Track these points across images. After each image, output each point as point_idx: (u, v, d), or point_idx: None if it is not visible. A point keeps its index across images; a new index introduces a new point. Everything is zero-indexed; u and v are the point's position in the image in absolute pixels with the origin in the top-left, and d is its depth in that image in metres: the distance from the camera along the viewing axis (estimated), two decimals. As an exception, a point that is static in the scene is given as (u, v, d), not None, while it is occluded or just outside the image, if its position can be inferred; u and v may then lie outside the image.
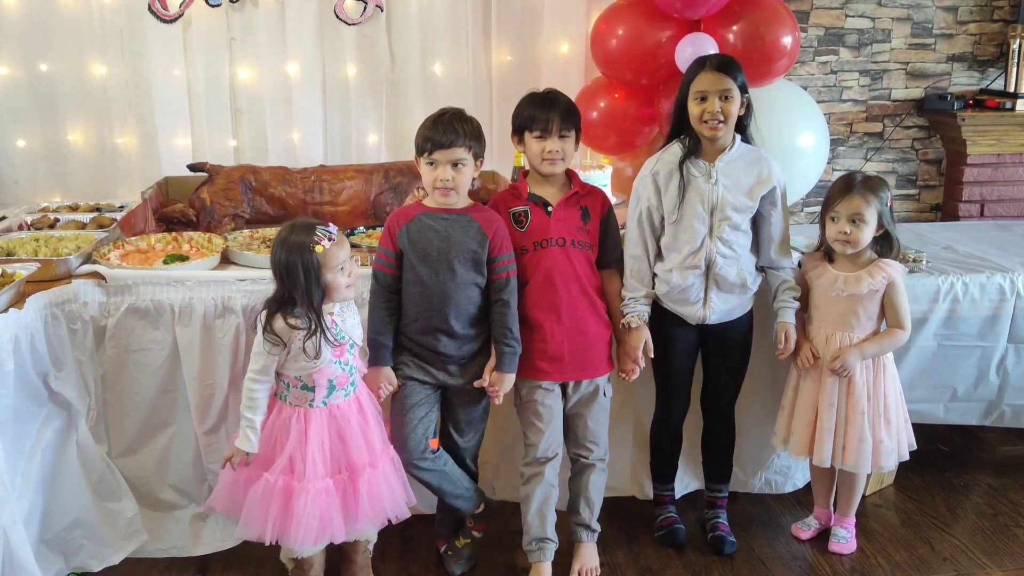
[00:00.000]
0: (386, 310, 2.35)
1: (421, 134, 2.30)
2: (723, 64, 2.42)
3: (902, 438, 2.58)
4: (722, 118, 2.40)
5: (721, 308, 2.49)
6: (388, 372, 2.36)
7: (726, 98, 2.39)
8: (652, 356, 2.49)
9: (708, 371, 2.64)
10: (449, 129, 2.27)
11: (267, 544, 2.22)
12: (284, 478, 2.19)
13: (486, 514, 2.57)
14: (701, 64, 2.45)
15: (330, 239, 2.15)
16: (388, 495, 2.28)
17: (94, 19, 3.50)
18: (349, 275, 2.21)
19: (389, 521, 2.32)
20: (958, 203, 4.16)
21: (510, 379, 2.39)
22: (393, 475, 2.31)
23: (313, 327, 2.14)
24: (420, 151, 2.30)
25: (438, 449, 2.43)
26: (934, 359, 2.81)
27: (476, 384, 2.38)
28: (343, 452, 2.24)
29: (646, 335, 2.46)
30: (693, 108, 2.43)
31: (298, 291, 2.13)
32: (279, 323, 2.15)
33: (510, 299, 2.37)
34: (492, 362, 2.38)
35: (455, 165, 2.28)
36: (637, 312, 2.47)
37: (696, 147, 2.47)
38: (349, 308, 2.30)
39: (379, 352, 2.35)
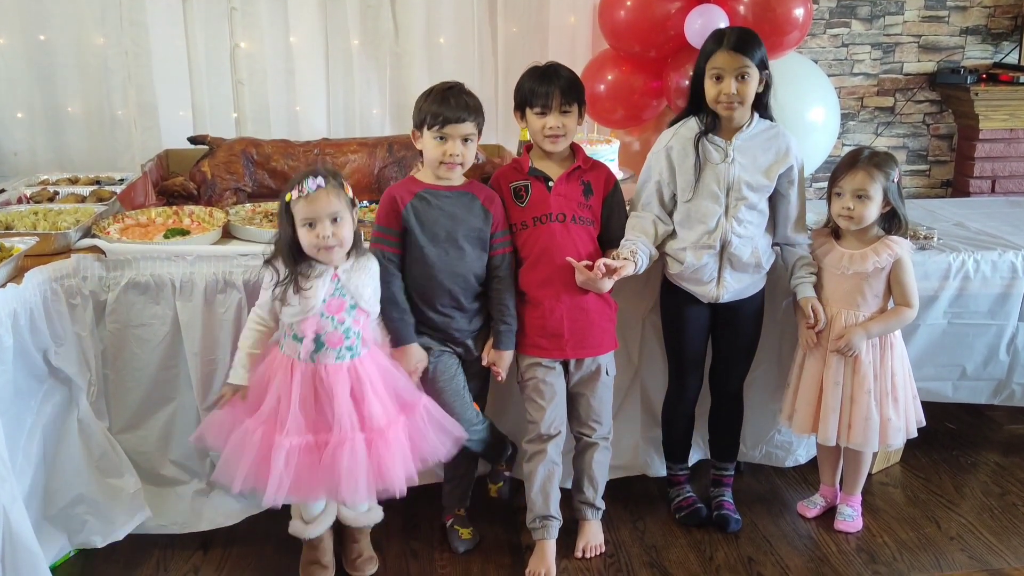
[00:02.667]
0: (400, 288, 2.31)
1: (428, 108, 2.25)
2: (741, 41, 2.33)
3: (910, 415, 2.56)
4: (739, 99, 2.34)
5: (735, 287, 2.46)
6: (418, 349, 2.32)
7: (743, 77, 2.33)
8: (611, 269, 2.32)
9: (719, 350, 2.60)
10: (460, 104, 2.24)
11: (235, 492, 2.21)
12: (264, 428, 2.16)
13: (514, 454, 2.61)
14: (718, 41, 2.35)
15: (300, 191, 2.11)
16: (372, 471, 2.19)
17: None
18: (320, 236, 2.11)
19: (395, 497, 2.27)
20: (969, 179, 4.11)
21: (509, 356, 2.39)
22: (389, 454, 2.22)
23: (283, 276, 2.14)
24: (428, 125, 2.25)
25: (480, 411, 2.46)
26: (944, 337, 2.79)
27: (486, 364, 2.39)
28: (329, 414, 2.17)
29: (628, 269, 2.34)
30: (709, 88, 2.36)
31: (279, 232, 2.17)
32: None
33: (507, 275, 2.36)
34: (491, 340, 2.39)
35: (464, 140, 2.26)
36: (633, 248, 2.37)
37: (713, 124, 2.41)
38: (362, 268, 2.23)
39: (405, 330, 2.31)
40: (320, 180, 2.11)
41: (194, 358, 2.46)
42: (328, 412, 2.17)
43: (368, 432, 2.19)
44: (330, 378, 2.17)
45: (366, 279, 2.23)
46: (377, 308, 2.27)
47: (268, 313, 2.22)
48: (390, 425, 2.22)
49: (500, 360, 2.38)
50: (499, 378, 2.40)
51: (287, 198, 2.13)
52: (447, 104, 2.23)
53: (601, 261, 2.31)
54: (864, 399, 2.49)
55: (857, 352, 2.47)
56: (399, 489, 2.23)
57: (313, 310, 2.14)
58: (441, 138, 2.25)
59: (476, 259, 2.32)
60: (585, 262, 2.33)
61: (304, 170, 2.22)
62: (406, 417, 2.25)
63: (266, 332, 2.24)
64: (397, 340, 2.31)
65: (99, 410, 2.46)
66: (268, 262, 2.20)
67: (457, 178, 2.32)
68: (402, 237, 2.30)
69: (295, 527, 2.35)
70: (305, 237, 2.13)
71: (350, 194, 2.19)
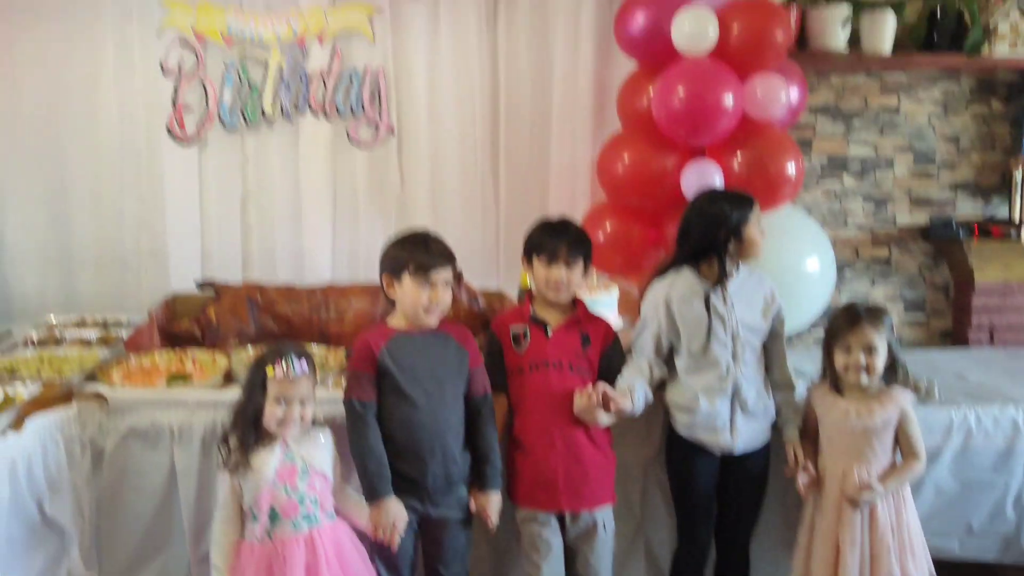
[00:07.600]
0: (378, 438, 2.25)
1: (408, 257, 2.27)
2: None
3: (923, 568, 2.50)
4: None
5: (747, 434, 2.46)
6: (397, 504, 2.23)
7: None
8: (609, 398, 2.33)
9: (727, 504, 2.56)
10: (440, 250, 2.29)
11: None
12: None
13: None
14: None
15: (285, 370, 2.13)
16: None
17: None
18: (285, 416, 2.15)
19: None
20: (968, 329, 4.12)
21: (497, 498, 2.34)
22: None
23: (237, 439, 2.15)
24: (412, 272, 2.26)
25: None
26: (948, 493, 2.74)
27: (474, 511, 2.33)
28: None
29: (626, 404, 2.35)
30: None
31: (242, 398, 2.18)
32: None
33: (489, 415, 2.35)
34: (477, 486, 2.34)
35: (445, 285, 2.29)
36: (631, 386, 2.38)
37: (722, 276, 2.46)
38: (313, 438, 2.24)
39: (381, 483, 2.22)
40: (304, 365, 2.17)
41: (189, 508, 2.44)
42: None
43: None
44: (286, 552, 2.12)
45: (319, 446, 2.24)
46: (334, 473, 2.26)
47: (230, 508, 2.17)
48: None
49: (488, 503, 2.32)
50: (490, 524, 2.33)
51: (269, 372, 2.14)
52: (429, 251, 2.28)
53: (601, 384, 2.31)
54: (885, 557, 2.43)
55: (872, 503, 2.43)
56: None
57: (266, 480, 2.13)
58: (426, 284, 2.27)
59: (459, 399, 2.32)
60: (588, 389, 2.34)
61: (287, 345, 2.25)
62: None
63: (235, 541, 2.18)
64: (372, 494, 2.22)
65: (90, 560, 2.42)
66: (223, 440, 2.20)
67: (433, 322, 2.33)
68: (377, 383, 2.26)
69: None
70: (273, 411, 2.16)
71: (317, 377, 2.26)
